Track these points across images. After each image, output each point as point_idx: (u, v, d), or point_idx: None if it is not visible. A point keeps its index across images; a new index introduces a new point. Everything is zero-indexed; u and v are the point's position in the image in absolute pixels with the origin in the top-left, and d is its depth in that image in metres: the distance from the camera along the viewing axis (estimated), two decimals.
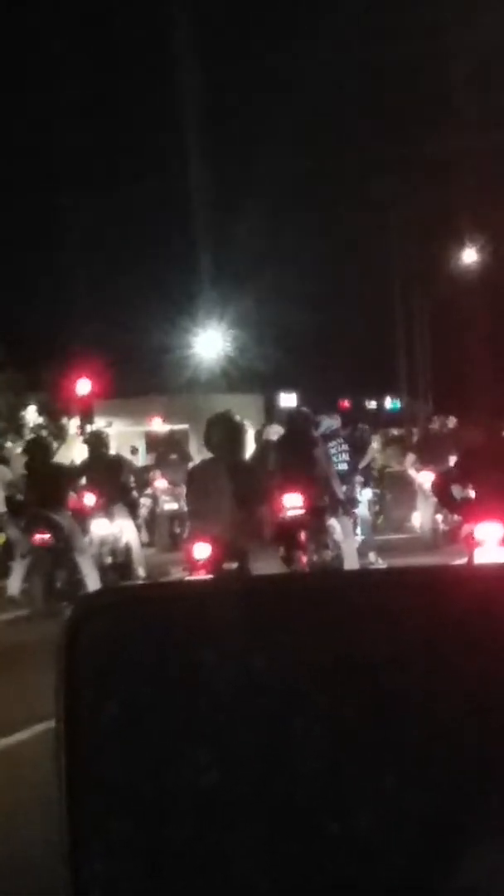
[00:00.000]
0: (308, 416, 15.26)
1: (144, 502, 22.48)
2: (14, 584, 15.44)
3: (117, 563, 16.45)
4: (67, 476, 16.32)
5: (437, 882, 1.20)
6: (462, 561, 10.87)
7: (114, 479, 16.60)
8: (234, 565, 10.18)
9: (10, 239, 42.64)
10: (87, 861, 1.19)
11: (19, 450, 22.53)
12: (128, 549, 16.76)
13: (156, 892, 1.20)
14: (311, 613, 1.26)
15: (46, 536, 15.06)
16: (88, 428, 27.85)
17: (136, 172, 47.00)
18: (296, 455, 13.84)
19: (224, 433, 10.76)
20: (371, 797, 1.21)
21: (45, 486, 15.56)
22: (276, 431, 17.36)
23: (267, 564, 11.16)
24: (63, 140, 44.56)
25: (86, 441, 18.23)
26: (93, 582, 14.69)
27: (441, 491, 11.13)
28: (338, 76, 44.58)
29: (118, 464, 17.54)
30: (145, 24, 49.24)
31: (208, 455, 11.00)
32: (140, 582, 14.66)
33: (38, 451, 16.83)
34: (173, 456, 23.61)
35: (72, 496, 16.00)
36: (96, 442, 17.36)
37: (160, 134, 46.50)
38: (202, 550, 10.19)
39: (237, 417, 11.45)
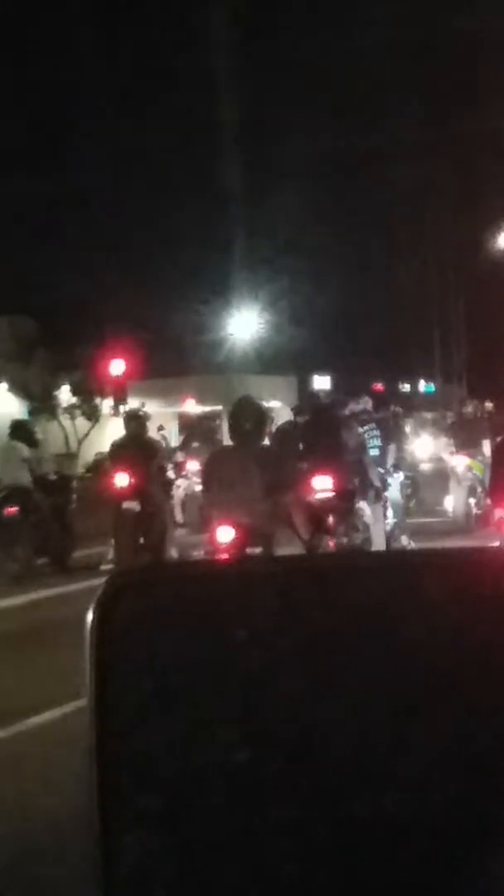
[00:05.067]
0: (336, 398, 15.22)
1: (181, 483, 22.56)
2: None
3: (150, 543, 16.51)
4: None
5: (467, 866, 1.20)
6: (494, 544, 10.84)
7: (148, 460, 16.65)
8: (258, 550, 10.15)
9: (45, 221, 42.72)
10: (116, 836, 1.20)
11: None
12: (161, 529, 16.81)
13: (184, 868, 1.20)
14: (342, 593, 1.26)
15: (14, 510, 16.88)
16: (122, 408, 27.92)
17: (173, 155, 46.97)
18: (324, 437, 13.81)
19: (247, 418, 10.71)
20: (400, 780, 1.21)
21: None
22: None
23: (291, 550, 11.15)
24: (100, 121, 44.58)
25: (124, 420, 18.27)
26: None
27: None
28: (377, 58, 44.41)
29: (153, 445, 17.60)
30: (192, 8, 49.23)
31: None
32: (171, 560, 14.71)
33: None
34: (195, 444, 23.66)
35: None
36: (134, 422, 17.39)
37: (197, 116, 46.42)
38: (226, 534, 10.17)
39: (260, 402, 11.41)
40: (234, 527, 10.12)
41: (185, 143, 46.80)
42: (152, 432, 22.11)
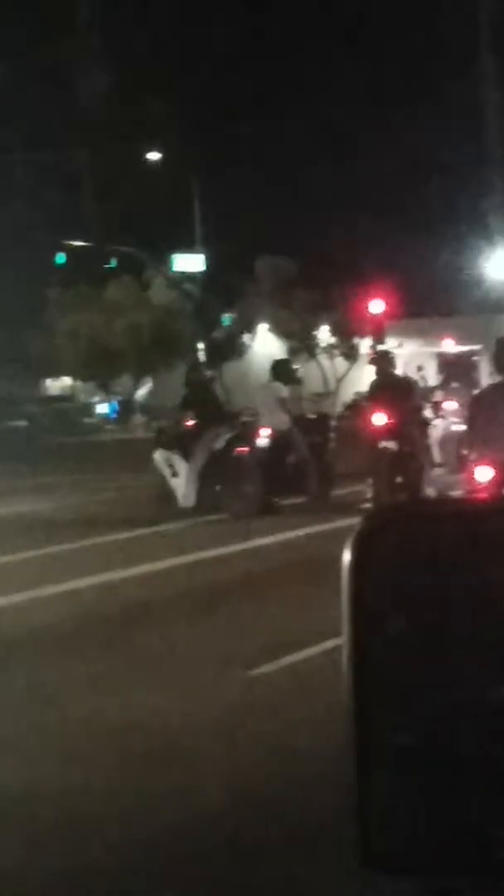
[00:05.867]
0: None
1: (438, 423, 22.45)
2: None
3: (407, 482, 16.53)
4: None
5: None
6: None
7: (405, 400, 16.64)
8: None
9: (304, 165, 42.87)
10: (372, 771, 1.21)
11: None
12: (418, 469, 16.81)
13: (435, 806, 1.20)
14: None
15: (245, 449, 17.56)
16: (379, 348, 27.96)
17: (427, 94, 46.42)
18: None
19: None
20: None
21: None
22: None
23: None
24: (353, 68, 44.39)
25: (372, 361, 18.34)
26: None
27: None
28: None
29: (408, 384, 17.60)
30: None
31: (498, 378, 10.78)
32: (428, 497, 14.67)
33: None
34: (454, 384, 23.49)
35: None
36: (382, 362, 17.42)
37: (451, 54, 45.76)
38: (485, 473, 10.03)
39: None
40: (494, 467, 9.99)
41: (440, 83, 46.12)
42: (411, 372, 22.07)
